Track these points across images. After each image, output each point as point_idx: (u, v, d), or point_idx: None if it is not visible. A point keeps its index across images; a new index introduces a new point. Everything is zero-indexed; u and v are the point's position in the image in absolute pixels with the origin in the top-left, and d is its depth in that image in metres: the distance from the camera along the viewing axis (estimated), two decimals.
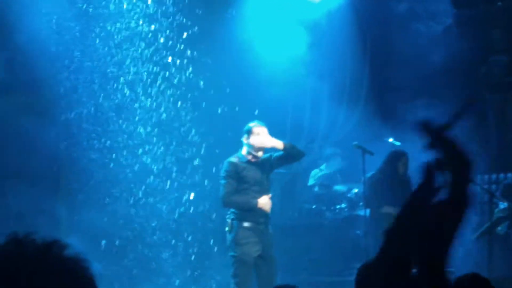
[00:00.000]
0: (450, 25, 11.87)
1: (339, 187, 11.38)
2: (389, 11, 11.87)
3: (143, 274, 10.52)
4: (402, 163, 9.96)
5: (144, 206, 10.59)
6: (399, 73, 11.82)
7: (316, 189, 11.46)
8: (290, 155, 8.44)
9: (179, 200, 10.76)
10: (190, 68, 10.92)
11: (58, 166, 10.39)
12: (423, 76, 11.75)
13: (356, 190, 11.06)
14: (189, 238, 10.73)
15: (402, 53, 11.86)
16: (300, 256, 11.03)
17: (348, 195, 11.22)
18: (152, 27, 10.72)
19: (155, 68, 10.72)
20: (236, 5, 11.35)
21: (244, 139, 8.36)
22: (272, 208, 8.44)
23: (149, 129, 10.66)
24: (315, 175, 11.66)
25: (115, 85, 10.52)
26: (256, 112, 10.18)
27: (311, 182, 11.64)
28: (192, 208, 10.79)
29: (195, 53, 10.92)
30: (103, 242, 10.15)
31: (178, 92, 10.87)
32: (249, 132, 8.30)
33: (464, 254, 10.38)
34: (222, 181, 8.33)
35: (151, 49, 10.69)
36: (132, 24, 10.60)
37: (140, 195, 10.56)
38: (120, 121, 10.52)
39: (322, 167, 11.70)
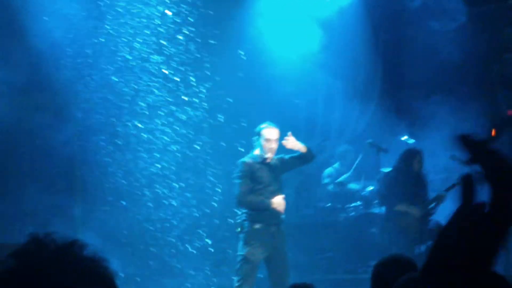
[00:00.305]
0: (463, 22, 11.82)
1: (353, 185, 11.36)
2: (402, 7, 11.84)
3: (160, 274, 10.54)
4: (417, 161, 9.95)
5: (161, 206, 10.61)
6: (412, 69, 11.79)
7: (330, 187, 11.44)
8: (306, 158, 8.53)
9: (198, 201, 10.76)
10: (205, 65, 10.93)
11: (73, 166, 10.43)
12: (437, 73, 11.71)
13: (371, 188, 11.04)
14: (208, 239, 10.73)
15: (415, 50, 11.83)
16: (315, 255, 11.03)
17: (363, 193, 11.21)
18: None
19: (168, 65, 10.73)
20: (249, 1, 11.36)
21: (256, 140, 8.41)
22: (287, 208, 8.47)
23: (168, 129, 10.67)
24: (329, 173, 11.64)
25: (133, 84, 10.54)
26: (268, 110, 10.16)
27: (325, 180, 11.62)
28: (211, 209, 10.80)
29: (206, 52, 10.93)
30: (120, 241, 10.19)
31: (191, 91, 10.88)
32: (260, 134, 8.35)
33: None
34: (237, 181, 8.36)
35: (165, 49, 10.71)
36: (145, 21, 10.61)
37: (157, 195, 10.58)
38: (136, 122, 10.55)
39: (336, 165, 11.68)
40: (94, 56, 10.34)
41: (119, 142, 10.44)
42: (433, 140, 10.22)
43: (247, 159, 8.44)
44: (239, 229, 8.38)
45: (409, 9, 11.85)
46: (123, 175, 10.41)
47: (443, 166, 10.35)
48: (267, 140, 8.30)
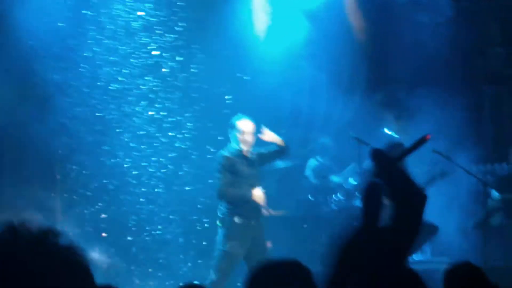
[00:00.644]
0: (450, 17, 11.86)
1: (335, 178, 11.35)
2: (389, 0, 11.86)
3: (145, 267, 10.52)
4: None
5: (144, 199, 10.59)
6: (398, 62, 11.81)
7: (312, 180, 11.43)
8: (283, 151, 8.65)
9: (180, 193, 10.76)
10: (190, 58, 10.90)
11: (54, 161, 10.37)
12: (423, 66, 11.73)
13: (352, 181, 11.04)
14: (197, 226, 10.74)
15: (402, 43, 11.84)
16: (297, 247, 11.02)
17: (345, 185, 11.20)
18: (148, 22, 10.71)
19: (153, 61, 10.71)
20: None
21: (230, 133, 8.45)
22: (269, 200, 8.53)
23: (148, 124, 10.65)
24: (311, 165, 11.62)
25: (116, 82, 10.51)
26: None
27: (307, 172, 11.60)
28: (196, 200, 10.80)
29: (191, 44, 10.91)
30: (103, 235, 10.18)
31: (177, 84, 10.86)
32: (234, 127, 8.39)
33: (459, 243, 10.43)
34: (218, 175, 8.39)
35: (150, 45, 10.68)
36: (132, 20, 10.58)
37: (139, 189, 10.56)
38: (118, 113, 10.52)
39: (318, 157, 11.67)
40: (76, 51, 10.28)
41: (101, 134, 10.40)
42: (418, 133, 10.22)
43: (226, 152, 8.48)
44: (219, 223, 8.42)
45: (396, 3, 11.87)
46: (106, 170, 10.37)
47: (428, 159, 10.38)
48: (241, 132, 8.35)
